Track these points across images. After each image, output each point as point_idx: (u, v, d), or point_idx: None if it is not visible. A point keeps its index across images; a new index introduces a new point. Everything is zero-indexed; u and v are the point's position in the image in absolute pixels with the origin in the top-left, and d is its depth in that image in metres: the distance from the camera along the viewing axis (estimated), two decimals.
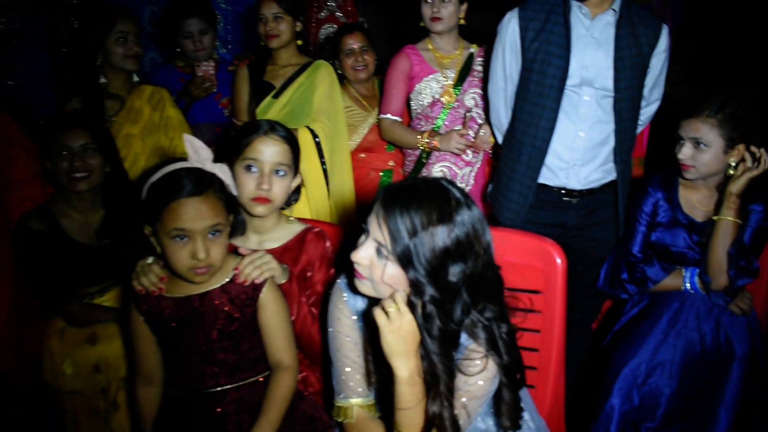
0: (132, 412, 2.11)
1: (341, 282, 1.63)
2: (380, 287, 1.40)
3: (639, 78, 2.34)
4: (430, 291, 1.33)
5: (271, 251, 1.88)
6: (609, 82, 2.28)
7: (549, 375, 1.89)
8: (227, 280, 1.70)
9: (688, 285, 2.21)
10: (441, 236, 1.30)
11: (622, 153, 2.36)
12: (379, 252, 1.37)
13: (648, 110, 2.50)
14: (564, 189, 2.40)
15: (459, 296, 1.36)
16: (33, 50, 3.55)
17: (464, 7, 2.85)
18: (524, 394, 1.74)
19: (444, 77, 2.90)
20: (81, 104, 2.68)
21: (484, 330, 1.41)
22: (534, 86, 2.33)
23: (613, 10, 2.27)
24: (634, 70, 2.30)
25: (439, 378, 1.38)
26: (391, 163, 3.14)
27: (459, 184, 1.43)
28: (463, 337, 1.44)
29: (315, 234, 1.94)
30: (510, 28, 2.38)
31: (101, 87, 2.73)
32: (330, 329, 1.62)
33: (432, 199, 1.33)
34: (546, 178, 2.40)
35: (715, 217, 2.10)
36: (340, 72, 3.10)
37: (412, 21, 2.95)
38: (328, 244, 1.95)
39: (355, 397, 1.58)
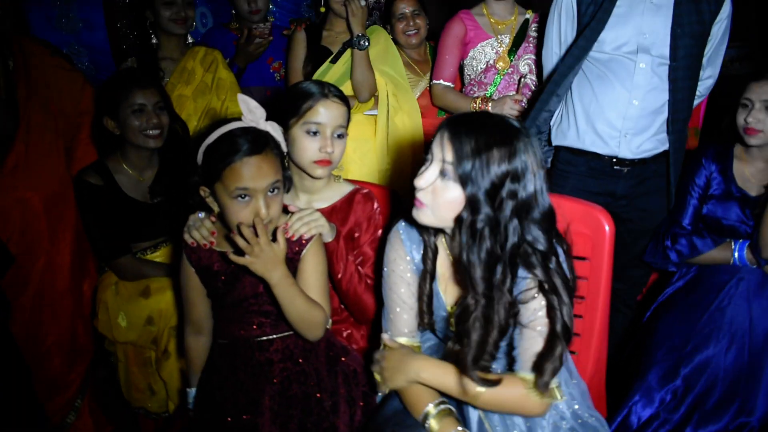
0: (182, 360, 2.19)
1: (400, 225, 1.68)
2: (440, 212, 1.42)
3: (698, 47, 2.26)
4: (485, 209, 1.36)
5: (320, 211, 1.90)
6: (666, 49, 2.22)
7: (591, 342, 1.87)
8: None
9: (737, 257, 2.15)
10: (501, 158, 1.34)
11: (676, 123, 2.30)
12: (442, 173, 1.40)
13: (707, 82, 2.43)
14: (615, 158, 2.35)
15: (512, 219, 1.37)
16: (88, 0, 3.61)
17: None
18: (567, 358, 1.74)
19: (499, 43, 2.87)
20: (135, 63, 2.73)
21: (539, 263, 1.41)
22: (581, 52, 2.27)
23: None
24: (694, 38, 2.23)
25: (487, 312, 1.40)
26: None
27: None
28: (521, 272, 1.44)
29: (363, 195, 1.95)
30: None
31: (153, 47, 2.78)
32: (385, 269, 1.68)
33: (495, 125, 1.38)
34: (597, 146, 2.36)
35: None
36: (392, 37, 3.08)
37: None
38: (376, 205, 1.96)
39: (400, 336, 1.65)
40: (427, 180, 1.42)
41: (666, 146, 2.36)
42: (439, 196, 1.41)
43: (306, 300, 1.66)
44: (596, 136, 2.35)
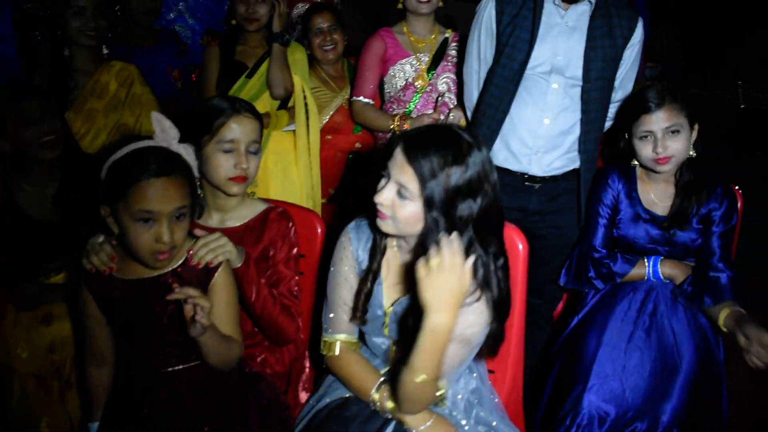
0: (83, 392, 2.06)
1: (350, 225, 1.75)
2: (401, 224, 1.51)
3: (610, 69, 2.33)
4: (443, 226, 1.44)
5: (233, 229, 1.87)
6: (579, 71, 2.28)
7: (508, 360, 1.89)
8: (180, 263, 1.64)
9: (651, 272, 2.21)
10: (455, 176, 1.42)
11: (587, 143, 2.36)
12: (400, 193, 1.48)
13: (618, 104, 2.49)
14: (527, 174, 2.40)
15: (467, 231, 1.46)
16: None
17: None
18: (484, 378, 1.76)
19: (418, 61, 2.88)
20: (47, 76, 2.62)
21: (481, 266, 1.50)
22: (501, 69, 2.33)
23: (590, 1, 2.26)
24: (606, 60, 2.29)
25: None
26: (357, 145, 3.12)
27: None
28: None
29: (278, 213, 1.92)
30: (487, 11, 2.38)
31: (66, 59, 2.66)
32: (332, 268, 1.75)
33: (447, 142, 1.45)
34: (509, 162, 2.40)
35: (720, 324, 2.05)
36: (308, 52, 3.07)
37: (389, 3, 2.93)
38: (291, 224, 1.93)
39: (339, 333, 1.72)
40: (385, 198, 1.50)
41: (576, 164, 2.41)
42: (399, 211, 1.49)
43: (223, 341, 1.60)
44: (509, 153, 2.39)
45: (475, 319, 1.52)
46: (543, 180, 2.40)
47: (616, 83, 2.39)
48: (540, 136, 2.34)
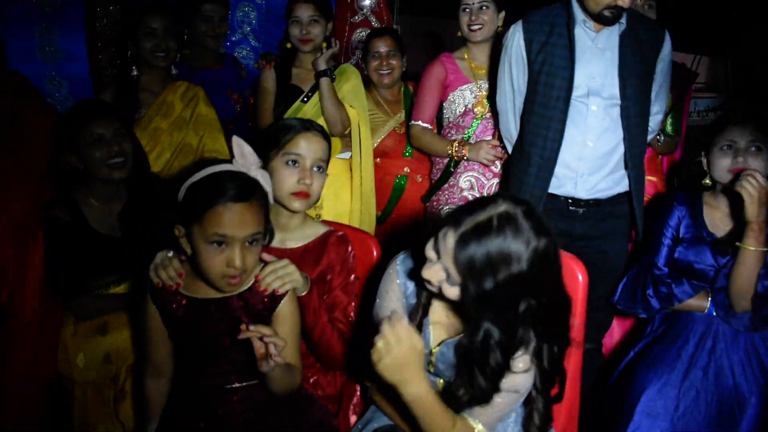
0: (138, 402, 2.10)
1: (399, 257, 1.69)
2: (448, 296, 1.45)
3: (645, 84, 2.37)
4: (496, 334, 1.39)
5: (292, 250, 1.88)
6: (616, 90, 2.31)
7: (565, 392, 1.84)
8: (246, 287, 1.65)
9: (712, 307, 2.15)
10: (504, 276, 1.33)
11: (633, 158, 2.38)
12: (448, 276, 1.41)
13: (656, 117, 2.53)
14: (571, 198, 2.41)
15: (524, 334, 1.42)
16: (71, 30, 3.58)
17: (502, 15, 2.83)
18: None
19: (478, 88, 2.88)
20: (114, 95, 2.70)
21: (535, 355, 1.46)
22: (541, 98, 2.36)
23: (620, 22, 2.30)
24: (639, 76, 2.34)
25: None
26: (406, 169, 3.13)
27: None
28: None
29: (338, 237, 1.92)
30: (515, 41, 2.43)
31: (133, 79, 2.74)
32: (378, 300, 1.69)
33: (503, 241, 1.33)
34: (554, 186, 2.42)
35: (738, 243, 2.03)
36: (366, 74, 3.10)
37: (450, 30, 2.94)
38: (350, 248, 1.93)
39: None
40: (433, 278, 1.44)
41: (622, 186, 2.43)
42: (446, 290, 1.44)
43: (287, 370, 1.61)
44: (554, 177, 2.40)
45: (523, 381, 1.49)
46: (587, 204, 2.41)
47: (652, 96, 2.42)
48: (584, 159, 2.37)
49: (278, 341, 1.45)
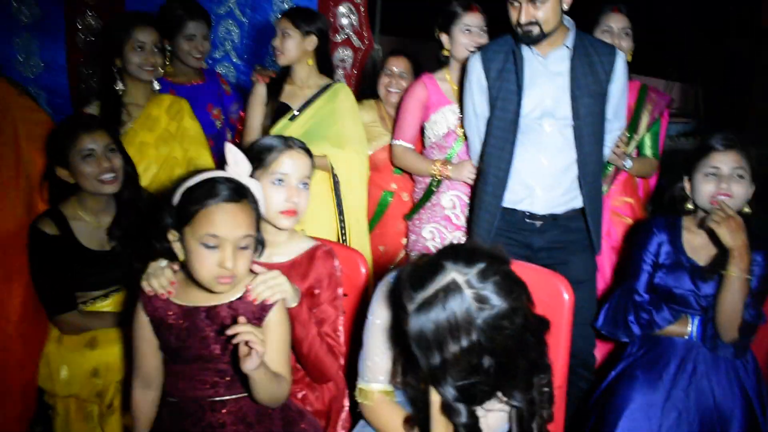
0: (127, 417, 2.09)
1: (390, 276, 1.68)
2: None
3: (598, 104, 2.46)
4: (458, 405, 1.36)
5: (279, 265, 1.88)
6: (568, 111, 2.42)
7: None
8: (237, 297, 1.67)
9: (694, 334, 2.19)
10: (460, 350, 1.29)
11: (585, 177, 2.48)
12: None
13: (615, 133, 2.62)
14: (528, 212, 2.52)
15: (488, 385, 1.36)
16: (51, 42, 3.55)
17: None
18: None
19: (460, 108, 2.92)
20: (100, 109, 2.68)
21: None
22: (497, 121, 2.51)
23: (566, 46, 2.43)
24: (592, 97, 2.43)
25: None
26: (393, 186, 3.16)
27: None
28: None
29: (325, 252, 1.94)
30: (476, 69, 2.55)
31: (117, 93, 2.71)
32: (369, 317, 1.70)
33: (448, 315, 1.29)
34: (512, 202, 2.54)
35: (722, 271, 2.08)
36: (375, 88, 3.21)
37: (429, 51, 2.99)
38: (337, 263, 1.95)
39: (376, 383, 1.69)
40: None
41: (577, 203, 2.53)
42: None
43: (274, 378, 1.62)
44: (510, 193, 2.52)
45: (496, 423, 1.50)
46: (544, 218, 2.52)
47: (610, 115, 2.52)
48: (539, 176, 2.49)
49: (259, 348, 1.48)
